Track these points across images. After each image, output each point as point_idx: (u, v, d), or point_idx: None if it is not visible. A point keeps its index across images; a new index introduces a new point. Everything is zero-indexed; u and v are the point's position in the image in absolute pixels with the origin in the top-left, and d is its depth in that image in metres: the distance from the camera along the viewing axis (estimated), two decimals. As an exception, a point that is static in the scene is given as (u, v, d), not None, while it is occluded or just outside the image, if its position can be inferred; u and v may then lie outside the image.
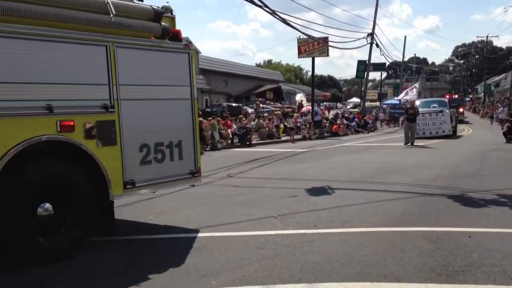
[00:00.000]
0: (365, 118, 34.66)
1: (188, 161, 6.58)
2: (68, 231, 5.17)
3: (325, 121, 29.52)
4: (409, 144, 19.50)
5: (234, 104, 36.47)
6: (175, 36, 6.59)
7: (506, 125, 21.79)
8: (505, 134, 20.64)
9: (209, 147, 19.37)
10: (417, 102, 26.65)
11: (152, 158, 6.04)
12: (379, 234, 6.01)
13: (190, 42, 6.78)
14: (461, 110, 41.70)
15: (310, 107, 30.37)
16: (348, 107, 50.64)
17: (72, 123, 5.15)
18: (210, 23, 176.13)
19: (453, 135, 24.53)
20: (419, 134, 22.38)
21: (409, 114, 20.51)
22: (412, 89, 24.26)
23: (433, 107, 25.76)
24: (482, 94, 77.12)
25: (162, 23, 6.37)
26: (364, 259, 5.01)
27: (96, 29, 5.51)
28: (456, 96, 50.26)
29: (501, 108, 35.15)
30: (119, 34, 5.70)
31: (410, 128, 20.11)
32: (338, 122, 29.56)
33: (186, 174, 6.57)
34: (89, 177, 5.34)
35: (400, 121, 35.46)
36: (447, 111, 24.64)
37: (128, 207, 8.02)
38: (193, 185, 7.18)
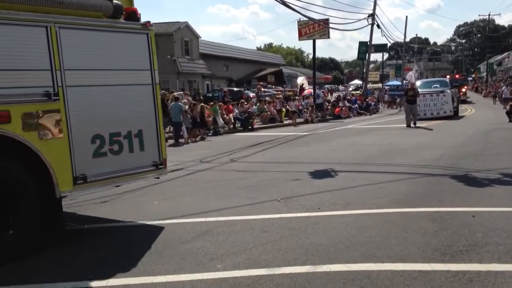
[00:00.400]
0: (367, 100, 34.55)
1: (151, 152, 6.12)
2: (12, 230, 4.80)
3: (327, 104, 29.44)
4: (412, 126, 19.32)
5: (235, 89, 36.40)
6: (131, 15, 6.07)
7: (510, 104, 21.69)
8: (508, 113, 20.54)
9: (211, 132, 19.39)
10: (418, 83, 26.41)
11: (107, 150, 5.57)
12: (382, 216, 6.03)
13: (149, 22, 6.18)
14: (463, 90, 41.36)
15: (312, 90, 30.26)
16: (350, 89, 50.41)
17: (6, 114, 4.64)
18: (210, 7, 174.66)
19: (455, 115, 24.34)
20: (420, 115, 22.11)
21: (409, 96, 20.19)
22: (412, 69, 24.24)
23: (434, 87, 25.37)
24: (485, 74, 76.63)
25: (114, 1, 5.82)
26: (368, 241, 5.04)
27: (34, 8, 5.00)
28: (458, 76, 49.70)
29: (504, 87, 34.84)
30: (61, 13, 5.20)
31: (411, 110, 19.88)
32: (340, 104, 29.47)
33: (149, 166, 6.11)
34: (33, 173, 4.91)
35: (397, 102, 35.44)
36: (449, 91, 24.27)
37: (135, 193, 8.08)
38: (158, 178, 6.61)
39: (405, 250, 4.71)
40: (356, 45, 49.70)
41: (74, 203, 7.19)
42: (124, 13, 6.01)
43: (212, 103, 21.19)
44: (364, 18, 35.81)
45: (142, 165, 6.02)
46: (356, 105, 31.72)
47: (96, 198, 7.76)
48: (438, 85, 25.97)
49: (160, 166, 6.23)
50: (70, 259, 4.89)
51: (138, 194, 8.03)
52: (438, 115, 23.12)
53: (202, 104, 19.56)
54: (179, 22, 38.45)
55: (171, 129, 18.03)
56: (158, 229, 5.84)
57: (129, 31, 5.93)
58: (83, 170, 5.29)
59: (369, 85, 43.67)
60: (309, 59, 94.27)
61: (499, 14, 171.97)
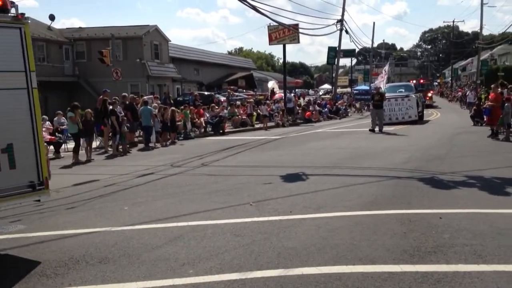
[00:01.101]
0: (337, 104, 34.97)
1: (26, 170, 5.17)
2: None
3: (297, 108, 29.65)
4: (377, 131, 19.12)
5: (206, 93, 36.23)
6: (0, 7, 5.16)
7: (474, 108, 22.34)
8: (472, 117, 21.18)
9: (182, 136, 19.25)
10: (384, 87, 26.45)
11: None
12: (353, 218, 6.11)
13: (22, 14, 5.27)
14: (429, 94, 41.90)
15: (282, 94, 30.40)
16: (320, 93, 50.94)
17: None
18: (179, 11, 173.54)
19: (420, 120, 24.16)
20: (385, 120, 21.95)
21: (376, 100, 20.02)
22: (382, 73, 24.07)
23: (399, 91, 25.18)
24: (450, 79, 78.74)
25: None
26: (339, 243, 5.09)
27: None
28: (422, 80, 50.52)
29: (469, 92, 35.71)
30: None
31: (377, 115, 19.69)
32: (310, 108, 29.73)
33: (24, 188, 5.17)
34: None
35: (357, 106, 36.24)
36: (413, 95, 24.02)
37: (103, 198, 7.95)
38: (38, 201, 5.62)
39: (375, 252, 4.78)
40: (326, 50, 50.31)
41: (41, 208, 7.02)
42: None
43: (182, 107, 21.06)
44: (333, 24, 36.23)
45: (13, 186, 5.06)
46: (326, 109, 32.06)
47: (64, 204, 7.61)
48: (403, 90, 25.83)
49: (39, 187, 5.29)
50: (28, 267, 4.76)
51: (107, 199, 7.90)
52: (403, 119, 22.97)
53: (172, 108, 19.39)
54: (148, 25, 38.05)
55: (141, 133, 17.84)
56: (128, 235, 5.75)
57: None
58: None
59: (339, 90, 44.11)
60: (279, 64, 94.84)
61: (463, 21, 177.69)
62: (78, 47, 36.86)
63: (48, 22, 35.84)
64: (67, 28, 41.58)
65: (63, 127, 16.38)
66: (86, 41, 36.41)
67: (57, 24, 38.34)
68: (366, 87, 43.35)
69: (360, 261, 4.55)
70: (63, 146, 15.30)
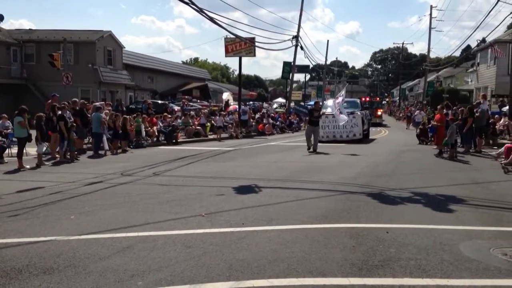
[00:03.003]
0: (290, 118, 35.48)
1: None
2: None
3: (251, 120, 29.85)
4: (311, 150, 17.09)
5: (159, 101, 35.81)
6: None
7: (419, 127, 23.27)
8: (418, 136, 22.07)
9: (133, 144, 18.89)
10: (329, 102, 24.83)
11: None
12: (304, 231, 6.19)
13: None
14: (379, 113, 42.40)
15: (237, 106, 30.51)
16: (274, 106, 51.43)
17: None
18: (134, 18, 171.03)
19: (366, 138, 23.50)
20: (329, 137, 21.54)
21: (314, 116, 18.01)
22: (338, 97, 21.17)
23: (346, 107, 22.64)
24: (398, 98, 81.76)
25: None
26: (290, 256, 5.14)
27: None
28: (369, 98, 50.68)
29: (417, 112, 36.44)
30: None
31: (313, 132, 17.57)
32: (264, 121, 30.00)
33: None
34: None
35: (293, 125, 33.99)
36: (359, 113, 22.84)
37: (49, 206, 7.65)
38: None
39: (325, 265, 4.86)
40: (280, 64, 51.23)
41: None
42: None
43: (135, 115, 20.71)
44: (288, 39, 36.86)
45: None
46: (279, 122, 32.46)
47: (6, 211, 7.27)
48: (348, 106, 23.57)
49: None
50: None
51: (52, 208, 7.61)
52: (347, 137, 21.85)
53: (124, 115, 19.03)
54: (102, 30, 37.27)
55: (91, 140, 17.39)
56: (74, 245, 5.55)
57: None
58: None
59: (292, 104, 44.73)
60: (234, 75, 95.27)
61: (412, 43, 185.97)
62: (27, 49, 35.58)
63: (-4, 22, 34.47)
64: (16, 29, 40.12)
65: (8, 131, 15.70)
66: (36, 43, 35.20)
67: (5, 24, 36.80)
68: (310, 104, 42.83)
69: (310, 274, 4.61)
70: (7, 151, 14.64)
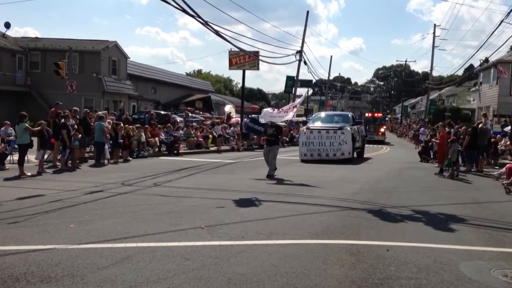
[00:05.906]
0: (291, 132, 35.50)
1: None
2: None
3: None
4: (272, 174, 13.92)
5: (162, 112, 35.91)
6: None
7: (421, 145, 23.27)
8: (420, 153, 22.05)
9: (135, 154, 18.90)
10: (322, 114, 23.95)
11: None
12: (304, 246, 6.15)
13: None
14: (382, 130, 41.12)
15: (239, 119, 30.51)
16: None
17: None
18: (138, 29, 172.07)
19: (360, 157, 21.52)
20: (313, 156, 19.12)
21: (269, 135, 14.72)
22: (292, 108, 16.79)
23: (335, 122, 21.17)
24: (400, 115, 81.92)
25: None
26: (289, 271, 5.10)
27: None
28: (376, 114, 48.56)
29: (422, 129, 35.75)
30: None
31: (270, 153, 14.30)
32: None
33: None
34: None
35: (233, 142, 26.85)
36: (349, 128, 19.68)
37: (49, 214, 7.63)
38: None
39: (325, 282, 4.82)
40: (283, 78, 51.38)
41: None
42: None
43: (137, 124, 20.76)
44: (292, 54, 37.03)
45: None
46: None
47: (5, 218, 7.26)
48: (338, 120, 21.56)
49: None
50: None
51: (52, 216, 7.59)
52: (334, 156, 18.97)
53: (126, 125, 19.05)
54: (108, 41, 37.55)
55: (93, 149, 17.41)
56: (73, 254, 5.53)
57: None
58: None
59: (294, 118, 44.83)
60: (237, 88, 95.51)
61: (415, 61, 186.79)
62: (32, 57, 35.83)
63: (3, 29, 34.77)
64: (22, 37, 40.43)
65: (10, 138, 15.74)
66: (41, 52, 35.47)
67: (10, 32, 37.03)
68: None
69: (309, 290, 4.58)
70: (8, 158, 14.66)
